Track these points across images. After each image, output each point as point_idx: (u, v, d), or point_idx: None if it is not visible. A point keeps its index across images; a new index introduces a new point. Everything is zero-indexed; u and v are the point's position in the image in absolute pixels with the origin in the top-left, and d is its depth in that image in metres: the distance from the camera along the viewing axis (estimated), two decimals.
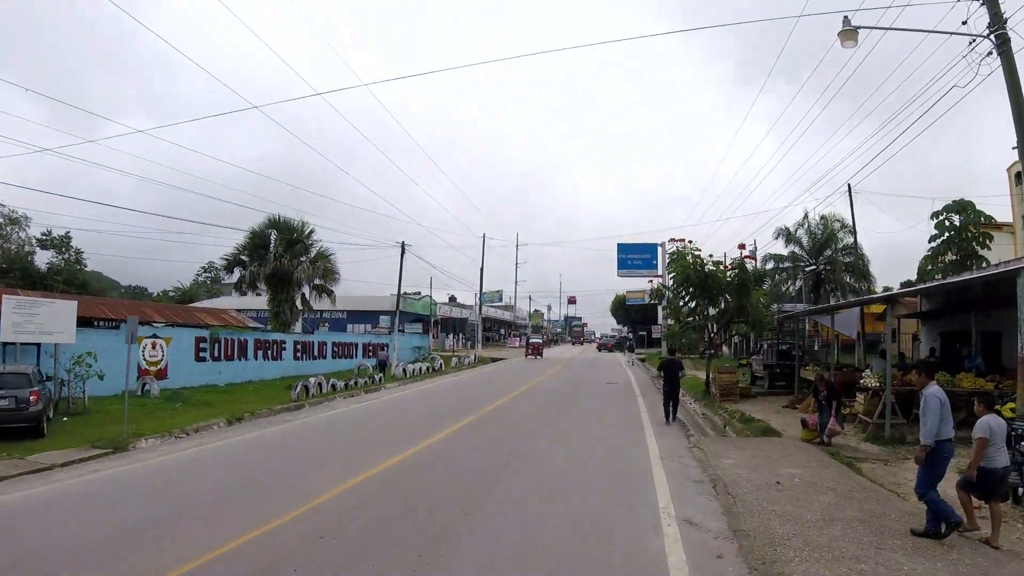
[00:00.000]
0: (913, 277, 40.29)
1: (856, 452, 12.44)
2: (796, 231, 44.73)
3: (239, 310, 74.48)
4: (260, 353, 31.24)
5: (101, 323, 27.75)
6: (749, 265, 22.14)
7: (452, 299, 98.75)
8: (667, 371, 18.19)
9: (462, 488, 9.90)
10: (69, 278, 54.91)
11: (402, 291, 67.72)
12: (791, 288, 44.34)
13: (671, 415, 17.84)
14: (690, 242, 21.79)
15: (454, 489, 9.81)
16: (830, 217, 44.41)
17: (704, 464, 11.20)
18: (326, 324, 70.33)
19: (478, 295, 57.16)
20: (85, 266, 62.43)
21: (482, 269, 54.88)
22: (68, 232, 58.65)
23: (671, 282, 22.38)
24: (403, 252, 36.68)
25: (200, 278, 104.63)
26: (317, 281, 38.48)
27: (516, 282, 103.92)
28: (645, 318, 79.32)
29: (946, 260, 31.90)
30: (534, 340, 60.12)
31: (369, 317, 68.44)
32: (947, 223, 32.46)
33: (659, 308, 65.96)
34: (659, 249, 53.58)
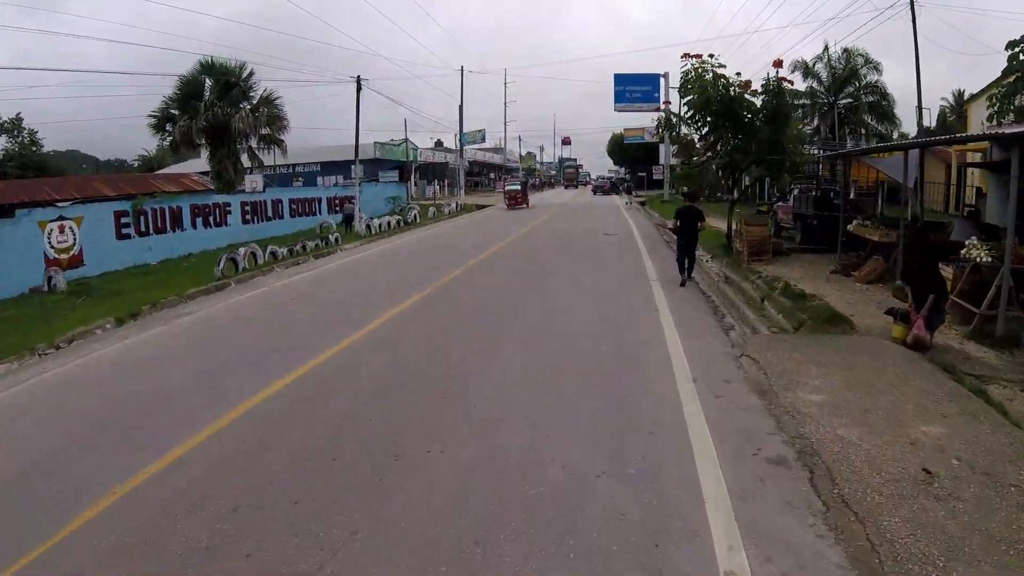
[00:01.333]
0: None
1: (968, 361, 8.20)
2: (814, 65, 41.07)
3: (205, 172, 69.10)
4: (199, 221, 26.74)
5: (46, 206, 23.14)
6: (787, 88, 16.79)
7: (438, 143, 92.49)
8: (684, 222, 14.63)
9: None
10: (25, 162, 51.57)
11: (387, 139, 62.42)
12: (806, 128, 39.61)
13: (688, 272, 14.99)
14: (711, 56, 16.37)
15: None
16: (853, 51, 39.22)
17: (771, 403, 6.73)
18: (299, 179, 65.07)
19: (458, 136, 51.02)
20: (41, 147, 58.40)
21: (461, 106, 48.79)
22: (19, 114, 54.49)
23: (685, 109, 17.08)
24: (359, 88, 30.92)
25: (165, 142, 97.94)
26: (264, 131, 33.18)
27: (505, 122, 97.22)
28: (644, 158, 73.47)
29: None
30: (511, 188, 46.89)
31: (345, 168, 62.88)
32: None
33: (660, 147, 60.67)
34: (661, 81, 47.58)
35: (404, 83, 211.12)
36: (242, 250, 20.43)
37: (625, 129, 73.13)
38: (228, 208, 28.91)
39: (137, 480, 5.72)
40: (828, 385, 7.14)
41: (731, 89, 16.13)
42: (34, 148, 56.34)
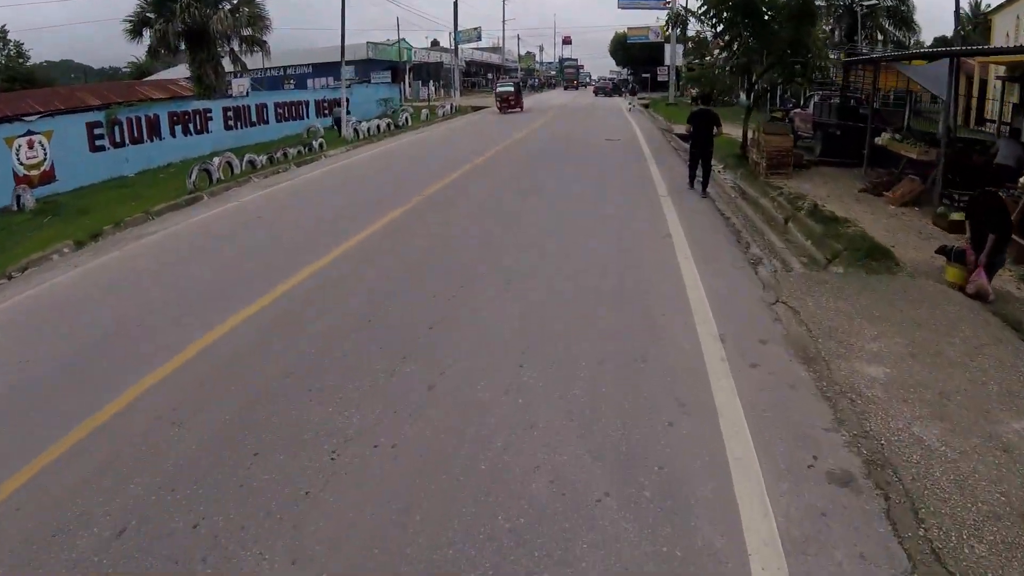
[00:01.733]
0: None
1: None
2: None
3: (230, 73, 65.95)
4: (178, 128, 24.98)
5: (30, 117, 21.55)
6: None
7: (435, 43, 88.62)
8: (697, 127, 13.32)
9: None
10: (12, 74, 50.80)
11: (383, 40, 59.41)
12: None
13: (703, 185, 13.63)
14: None
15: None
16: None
17: (821, 378, 5.34)
18: (291, 82, 62.53)
19: (452, 34, 48.09)
20: (27, 59, 57.71)
21: (456, 1, 45.74)
22: (3, 26, 53.85)
23: (698, 4, 15.36)
24: None
25: (143, 48, 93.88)
26: (246, 32, 31.09)
27: (504, 20, 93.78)
28: (648, 59, 70.04)
29: None
30: (503, 89, 42.69)
31: (338, 70, 60.26)
32: None
33: (665, 47, 57.44)
34: None
35: None
36: (216, 160, 19.05)
37: (629, 28, 69.69)
38: (209, 114, 27.22)
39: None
40: (889, 351, 5.82)
41: None
42: (21, 60, 55.32)
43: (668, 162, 17.10)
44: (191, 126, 25.86)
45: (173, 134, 24.65)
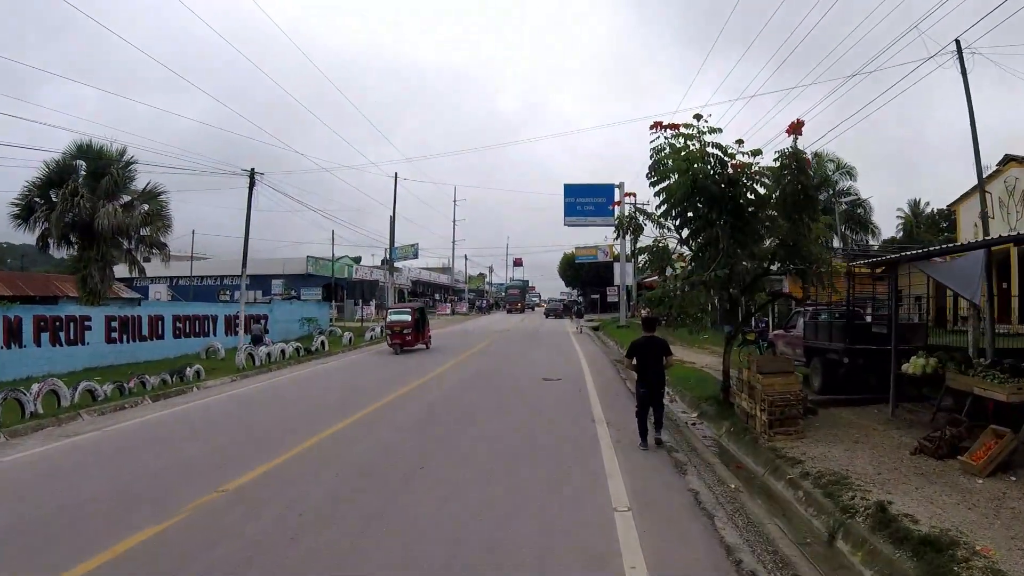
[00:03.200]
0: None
1: None
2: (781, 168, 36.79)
3: (151, 279, 62.75)
4: (46, 337, 20.85)
5: None
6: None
7: (385, 262, 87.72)
8: (643, 357, 10.60)
9: None
10: None
11: (333, 255, 56.95)
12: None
13: (654, 429, 10.48)
14: (697, 118, 11.11)
15: None
16: (824, 156, 35.90)
17: None
18: (226, 293, 59.13)
19: (388, 250, 45.37)
20: None
21: (393, 217, 43.25)
22: None
23: (657, 201, 11.79)
24: (252, 183, 25.49)
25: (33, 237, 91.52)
26: (144, 232, 27.61)
27: (454, 240, 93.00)
28: (598, 278, 68.90)
29: None
30: (395, 317, 28.71)
31: (291, 283, 57.29)
32: None
33: (615, 266, 55.93)
34: (616, 192, 43.45)
35: (355, 200, 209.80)
36: (36, 387, 14.32)
37: (576, 248, 68.88)
38: (87, 323, 22.80)
39: None
40: None
41: (727, 167, 10.98)
42: None
43: (625, 417, 12.40)
44: (61, 335, 21.43)
45: (37, 342, 20.45)
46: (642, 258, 13.36)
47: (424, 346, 29.07)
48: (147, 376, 17.58)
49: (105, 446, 11.25)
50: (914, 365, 10.64)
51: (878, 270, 14.06)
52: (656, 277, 17.76)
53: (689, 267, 12.43)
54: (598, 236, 66.46)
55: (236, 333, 32.07)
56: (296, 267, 57.67)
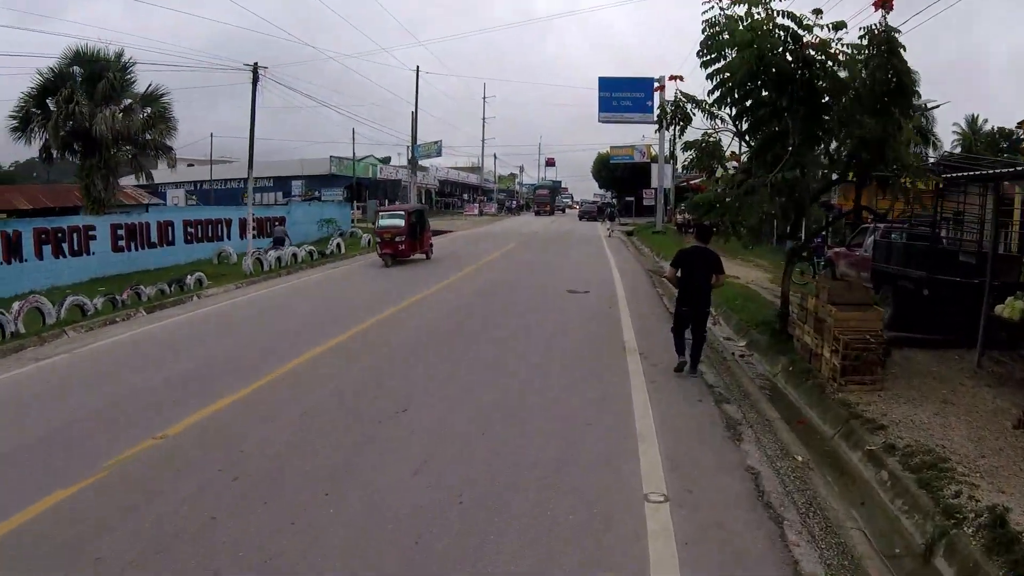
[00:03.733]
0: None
1: None
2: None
3: (174, 184, 61.66)
4: (48, 250, 19.75)
5: None
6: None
7: (411, 162, 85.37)
8: (689, 271, 9.04)
9: None
10: None
11: (354, 153, 54.81)
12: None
13: (693, 360, 9.04)
14: None
15: None
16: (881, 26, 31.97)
17: None
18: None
19: (411, 148, 43.03)
20: None
21: (415, 113, 40.81)
22: None
23: (710, 85, 9.57)
24: (255, 79, 23.21)
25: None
26: (149, 136, 25.85)
27: (483, 139, 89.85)
28: (633, 180, 65.68)
29: None
30: (386, 222, 24.06)
31: (315, 183, 55.63)
32: None
33: (652, 167, 52.61)
34: (655, 87, 40.27)
35: (385, 102, 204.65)
36: (16, 306, 13.01)
37: (611, 147, 65.27)
38: (92, 232, 21.51)
39: None
40: None
41: (801, 43, 8.71)
42: None
43: (663, 344, 10.48)
44: (64, 246, 20.20)
45: (39, 255, 19.29)
46: (687, 155, 11.14)
47: (424, 256, 25.02)
48: (142, 287, 16.26)
49: (77, 368, 10.08)
50: (1011, 308, 8.58)
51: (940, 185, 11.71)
52: (701, 179, 15.57)
53: (745, 168, 10.26)
54: (635, 135, 62.93)
55: (253, 236, 30.81)
56: (319, 167, 55.82)
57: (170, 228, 25.91)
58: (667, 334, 9.76)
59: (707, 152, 10.73)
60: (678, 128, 10.69)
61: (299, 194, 52.71)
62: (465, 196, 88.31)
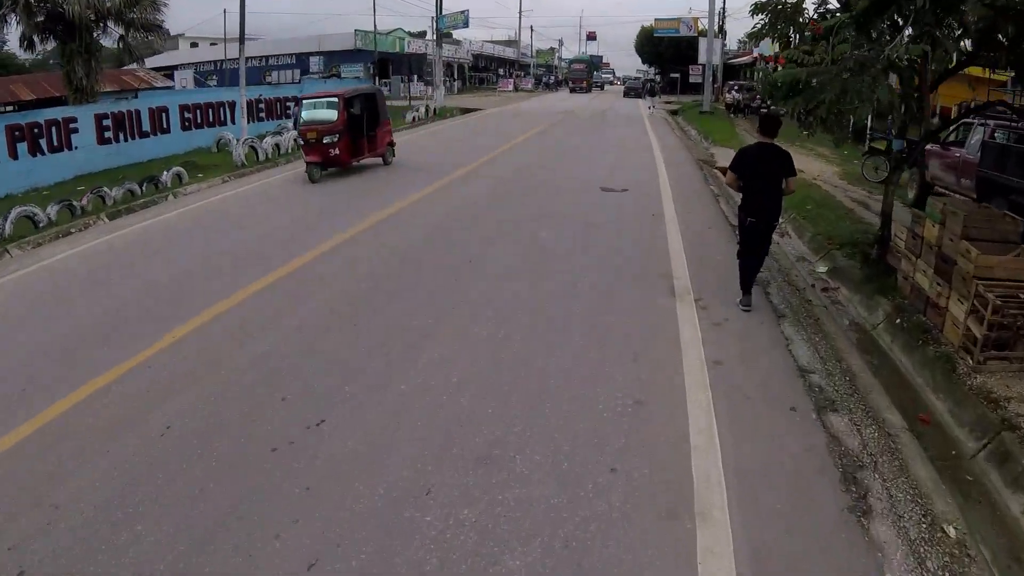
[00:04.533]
0: None
1: None
2: None
3: (191, 65, 58.73)
4: (23, 147, 17.66)
5: None
6: None
7: (447, 35, 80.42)
8: (753, 175, 7.03)
9: None
10: None
11: (375, 24, 50.75)
12: None
13: (746, 285, 7.23)
14: None
15: None
16: None
17: None
18: (271, 74, 54.70)
19: (435, 18, 38.63)
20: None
21: None
22: None
23: None
24: None
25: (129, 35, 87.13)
26: (134, 15, 23.09)
27: (520, 10, 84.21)
28: (678, 56, 60.48)
29: None
30: (311, 116, 16.55)
31: (340, 59, 52.01)
32: None
33: (700, 41, 47.71)
34: None
35: None
36: None
37: (656, 20, 59.73)
38: (73, 125, 19.37)
39: None
40: None
41: None
42: None
43: (725, 277, 7.92)
44: (42, 141, 18.12)
45: (13, 154, 17.30)
46: (757, 20, 8.34)
47: (380, 159, 18.10)
48: (106, 189, 14.09)
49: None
50: None
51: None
52: (769, 52, 12.58)
53: (840, 40, 7.28)
54: (682, 6, 57.53)
55: (260, 119, 28.37)
56: (342, 43, 51.94)
57: (164, 115, 23.62)
58: (729, 260, 7.32)
59: (784, 15, 7.86)
60: None
61: (319, 71, 49.22)
62: (501, 71, 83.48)
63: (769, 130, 7.08)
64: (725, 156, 19.39)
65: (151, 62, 61.81)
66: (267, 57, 57.32)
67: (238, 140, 20.21)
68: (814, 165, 17.33)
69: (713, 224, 11.16)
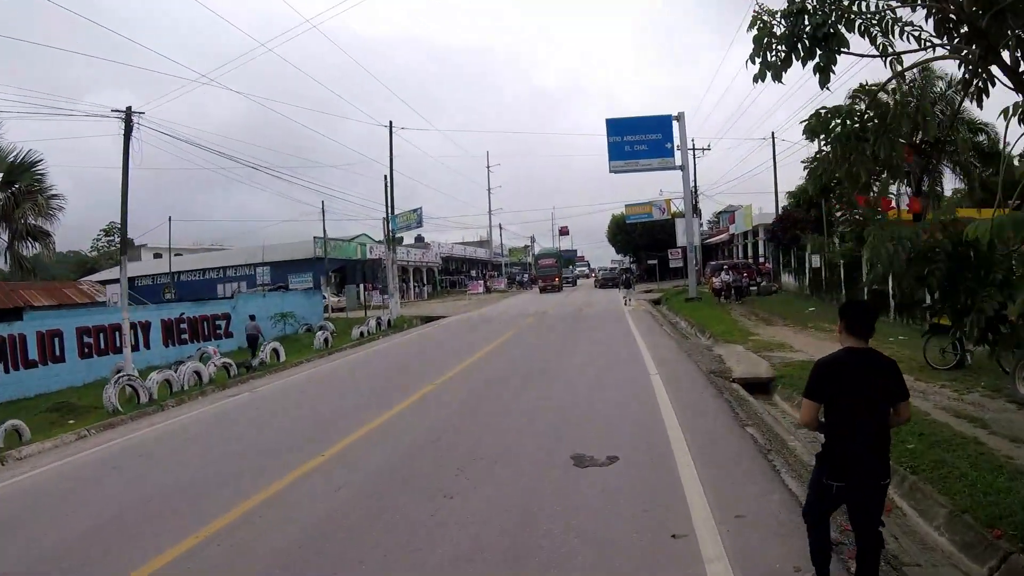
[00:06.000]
0: None
1: None
2: (879, 92, 25.25)
3: (147, 277, 56.31)
4: None
5: None
6: None
7: (419, 239, 79.50)
8: (843, 403, 4.31)
9: None
10: None
11: (325, 231, 48.59)
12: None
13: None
14: None
15: None
16: (934, 72, 25.00)
17: None
18: (266, 286, 52.04)
19: (387, 220, 35.53)
20: None
21: (389, 176, 34.04)
22: None
23: None
24: (128, 128, 16.79)
25: (101, 241, 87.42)
26: (32, 220, 19.93)
27: (490, 211, 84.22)
28: (652, 242, 58.72)
29: None
30: None
31: (294, 268, 49.08)
32: None
33: (677, 223, 45.41)
34: (674, 126, 33.71)
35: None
36: None
37: (627, 206, 58.39)
38: None
39: None
40: None
41: None
42: None
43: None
44: None
45: None
46: (823, 147, 4.50)
47: None
48: None
49: None
50: None
51: None
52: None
53: None
54: (651, 190, 56.50)
55: (182, 341, 24.37)
56: (299, 252, 49.26)
57: (57, 340, 19.72)
58: None
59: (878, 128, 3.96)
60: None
61: (265, 283, 46.07)
62: (473, 272, 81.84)
63: (862, 326, 4.37)
64: (734, 357, 15.06)
65: (108, 274, 59.29)
66: (224, 268, 54.84)
67: (117, 376, 15.68)
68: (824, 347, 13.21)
69: (778, 525, 5.84)
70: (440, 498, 6.90)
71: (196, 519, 6.83)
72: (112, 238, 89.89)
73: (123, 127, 16.95)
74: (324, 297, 37.92)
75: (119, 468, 9.83)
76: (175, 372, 16.72)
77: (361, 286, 43.17)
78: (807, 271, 30.25)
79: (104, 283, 41.26)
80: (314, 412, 12.88)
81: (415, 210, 38.44)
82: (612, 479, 7.24)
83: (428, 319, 34.47)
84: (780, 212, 38.32)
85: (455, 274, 79.29)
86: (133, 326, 22.58)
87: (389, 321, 30.79)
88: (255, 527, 6.54)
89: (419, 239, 78.75)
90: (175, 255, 60.78)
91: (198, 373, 17.25)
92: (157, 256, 56.97)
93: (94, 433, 12.90)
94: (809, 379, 4.50)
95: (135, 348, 22.40)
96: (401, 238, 68.84)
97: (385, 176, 33.37)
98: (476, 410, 11.55)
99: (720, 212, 62.86)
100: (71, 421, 13.96)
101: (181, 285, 52.13)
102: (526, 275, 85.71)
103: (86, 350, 20.52)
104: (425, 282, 66.34)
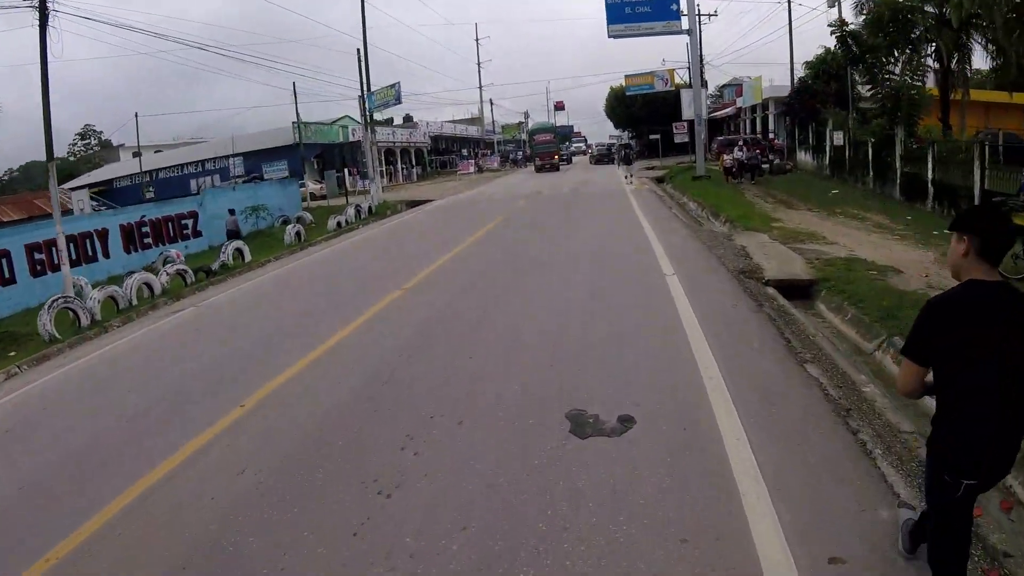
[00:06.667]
0: None
1: None
2: None
3: (126, 177, 53.88)
4: None
5: None
6: None
7: (408, 119, 75.76)
8: (974, 371, 2.82)
9: None
10: None
11: (298, 113, 45.23)
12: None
13: None
14: None
15: None
16: None
17: None
18: (197, 180, 49.38)
19: (363, 98, 32.49)
20: None
21: (362, 50, 30.91)
22: None
23: None
24: (44, 18, 13.92)
25: (77, 146, 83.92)
26: None
27: (480, 86, 79.85)
28: (655, 115, 55.08)
29: None
30: None
31: (273, 156, 46.07)
32: None
33: (682, 94, 41.63)
34: None
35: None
36: None
37: (627, 76, 54.44)
38: None
39: None
40: None
41: None
42: None
43: None
44: None
45: None
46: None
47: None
48: None
49: None
50: None
51: None
52: None
53: None
54: (652, 62, 52.47)
55: (145, 246, 22.30)
56: (282, 137, 46.15)
57: (4, 260, 17.63)
58: None
59: None
60: None
61: (238, 176, 43.49)
62: (464, 151, 78.46)
63: (996, 249, 2.92)
64: (761, 250, 12.91)
65: (86, 179, 56.70)
66: (203, 161, 52.02)
67: (54, 299, 13.48)
68: (896, 249, 11.15)
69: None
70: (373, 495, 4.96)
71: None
72: (89, 141, 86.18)
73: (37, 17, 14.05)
74: (304, 185, 35.54)
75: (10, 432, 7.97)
76: (120, 287, 14.75)
77: (345, 171, 40.51)
78: (828, 149, 27.77)
79: (83, 188, 38.87)
80: (249, 338, 10.77)
81: (392, 85, 35.11)
82: (625, 465, 5.01)
83: (413, 204, 32.38)
84: (796, 84, 35.36)
85: (446, 154, 76.05)
86: (88, 235, 20.56)
87: (371, 208, 28.58)
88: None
89: (407, 119, 75.06)
90: (155, 152, 57.80)
91: (148, 285, 15.26)
92: (137, 155, 53.95)
93: (25, 370, 11.15)
94: (914, 328, 3.05)
95: (93, 259, 20.47)
96: (391, 119, 65.37)
97: (358, 50, 30.20)
98: (443, 334, 9.26)
99: (724, 85, 59.15)
100: (12, 353, 12.19)
101: (160, 183, 49.47)
102: (520, 153, 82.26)
103: (38, 267, 18.39)
104: (414, 163, 63.45)
